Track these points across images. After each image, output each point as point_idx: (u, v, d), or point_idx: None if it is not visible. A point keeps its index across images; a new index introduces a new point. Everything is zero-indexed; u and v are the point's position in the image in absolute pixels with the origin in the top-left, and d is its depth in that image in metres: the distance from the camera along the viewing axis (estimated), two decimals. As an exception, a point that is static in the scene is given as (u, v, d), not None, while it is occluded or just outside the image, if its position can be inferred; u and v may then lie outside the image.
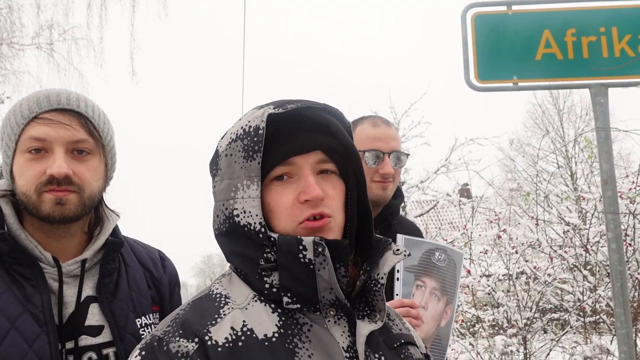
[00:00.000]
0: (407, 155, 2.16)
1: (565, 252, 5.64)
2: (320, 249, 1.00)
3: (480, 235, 5.86)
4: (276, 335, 1.01)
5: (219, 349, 0.98)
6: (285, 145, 1.05)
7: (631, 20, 3.25)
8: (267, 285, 1.05)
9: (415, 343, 1.21)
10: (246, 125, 1.07)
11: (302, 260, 1.01)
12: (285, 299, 1.03)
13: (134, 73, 12.15)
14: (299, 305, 1.04)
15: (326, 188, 1.07)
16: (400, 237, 1.91)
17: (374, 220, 2.11)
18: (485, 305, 6.26)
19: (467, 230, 5.68)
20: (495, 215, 5.86)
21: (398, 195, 2.27)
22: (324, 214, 1.05)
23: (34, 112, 1.40)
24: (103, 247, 1.50)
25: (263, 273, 1.05)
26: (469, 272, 5.62)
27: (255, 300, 1.06)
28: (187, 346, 0.98)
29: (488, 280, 5.95)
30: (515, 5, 3.38)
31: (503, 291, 5.92)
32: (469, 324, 6.51)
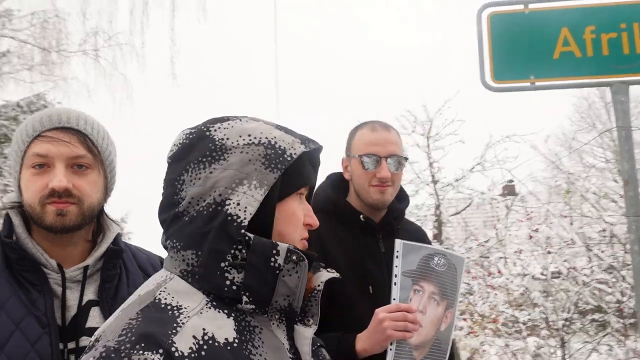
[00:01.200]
0: (406, 159, 2.17)
1: (601, 251, 5.49)
2: (294, 257, 1.08)
3: (510, 234, 5.77)
4: (236, 340, 1.05)
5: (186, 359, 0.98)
6: (311, 175, 1.24)
7: (654, 15, 3.15)
8: (227, 282, 1.07)
9: (325, 347, 1.31)
10: (272, 139, 1.15)
11: (271, 264, 1.07)
12: (244, 298, 1.07)
13: (174, 77, 12.52)
14: (254, 307, 1.08)
15: None
16: (398, 242, 1.93)
17: (378, 224, 2.15)
18: (521, 305, 6.16)
19: (496, 229, 5.60)
20: (528, 215, 5.76)
21: (403, 199, 2.29)
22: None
23: (37, 131, 1.52)
24: (104, 254, 1.60)
25: (226, 268, 1.07)
26: (500, 272, 5.55)
27: (209, 307, 1.07)
28: (152, 359, 0.95)
29: (522, 280, 5.86)
30: (532, 3, 3.33)
31: (539, 291, 5.82)
32: (507, 325, 6.41)
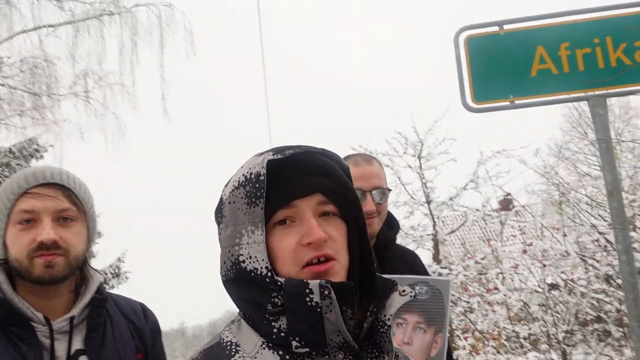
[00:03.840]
0: (389, 190, 2.20)
1: (597, 261, 5.51)
2: (326, 292, 1.01)
3: (505, 250, 5.78)
4: None
5: None
6: (286, 190, 1.07)
7: (625, 29, 3.23)
8: (275, 330, 1.05)
9: None
10: (247, 172, 1.10)
11: (309, 303, 1.02)
12: (294, 343, 1.03)
13: (166, 112, 12.63)
14: (307, 349, 1.03)
15: (328, 230, 1.08)
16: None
17: None
18: (521, 320, 6.14)
19: (491, 245, 5.62)
20: (521, 230, 5.78)
21: (393, 226, 2.30)
22: (327, 256, 1.06)
23: (22, 188, 1.57)
24: (89, 304, 1.62)
25: (271, 318, 1.05)
26: (496, 288, 5.55)
27: (264, 348, 1.06)
28: None
29: (521, 295, 5.85)
30: (507, 24, 3.41)
31: (538, 305, 5.81)
32: (510, 341, 6.37)
